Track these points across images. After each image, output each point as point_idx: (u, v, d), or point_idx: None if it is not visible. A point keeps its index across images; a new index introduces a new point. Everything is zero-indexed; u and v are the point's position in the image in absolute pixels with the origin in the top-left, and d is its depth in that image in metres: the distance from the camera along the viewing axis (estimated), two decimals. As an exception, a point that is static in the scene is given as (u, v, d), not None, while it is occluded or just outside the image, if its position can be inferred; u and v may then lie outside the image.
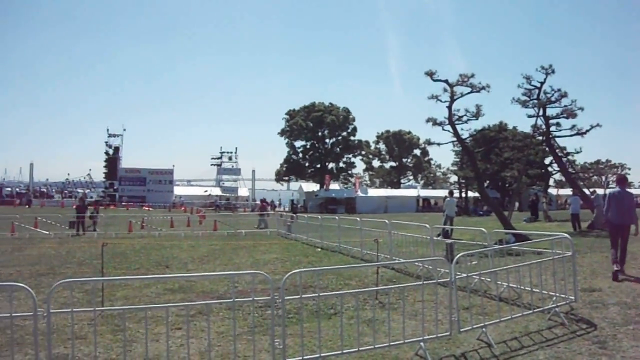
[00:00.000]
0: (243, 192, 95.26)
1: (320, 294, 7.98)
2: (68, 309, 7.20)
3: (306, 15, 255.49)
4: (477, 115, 24.56)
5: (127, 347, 7.52)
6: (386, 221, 19.20)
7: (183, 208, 69.00)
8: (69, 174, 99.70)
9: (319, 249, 22.37)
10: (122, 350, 8.12)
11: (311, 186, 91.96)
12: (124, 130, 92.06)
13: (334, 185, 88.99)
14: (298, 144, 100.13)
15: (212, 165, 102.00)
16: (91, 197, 73.51)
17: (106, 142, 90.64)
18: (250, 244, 25.10)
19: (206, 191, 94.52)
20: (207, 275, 15.70)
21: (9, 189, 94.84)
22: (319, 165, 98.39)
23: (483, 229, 14.81)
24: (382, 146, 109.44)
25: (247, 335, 8.87)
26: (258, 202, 56.32)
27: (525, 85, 29.66)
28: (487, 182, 67.33)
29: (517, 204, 45.12)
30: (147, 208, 67.34)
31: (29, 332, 9.02)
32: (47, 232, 30.18)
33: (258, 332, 8.47)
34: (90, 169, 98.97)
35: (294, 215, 34.77)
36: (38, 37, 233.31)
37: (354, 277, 14.51)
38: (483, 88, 24.03)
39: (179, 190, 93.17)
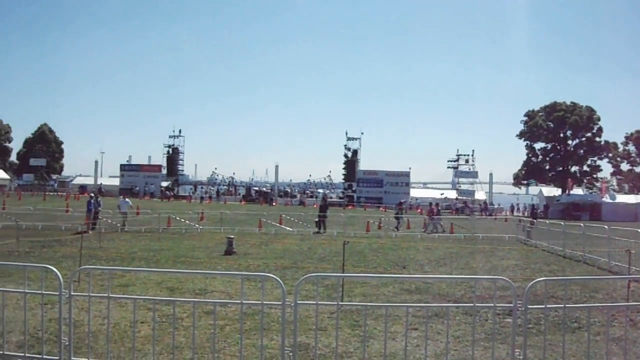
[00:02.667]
0: (480, 195, 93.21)
1: (566, 306, 7.51)
2: (313, 301, 7.52)
3: (547, 10, 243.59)
4: None
5: (365, 342, 7.67)
6: (638, 230, 17.74)
7: (419, 210, 69.32)
8: (310, 175, 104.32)
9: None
10: (359, 344, 8.32)
11: (552, 190, 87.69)
12: (362, 133, 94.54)
13: (577, 190, 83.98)
14: (538, 146, 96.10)
15: (448, 168, 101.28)
16: (331, 197, 76.50)
17: (345, 145, 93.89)
18: (487, 248, 24.57)
19: (442, 194, 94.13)
20: (446, 278, 15.60)
21: (256, 188, 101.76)
22: (560, 169, 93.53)
23: None
24: (631, 148, 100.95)
25: (484, 342, 8.65)
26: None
27: None
28: None
29: None
30: (383, 209, 68.63)
31: (274, 319, 9.59)
32: (291, 229, 31.91)
33: (496, 339, 8.22)
34: (330, 171, 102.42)
35: (534, 220, 33.38)
36: (286, 47, 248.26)
37: (600, 289, 13.56)
38: None
39: (414, 193, 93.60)
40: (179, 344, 7.76)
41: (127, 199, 31.72)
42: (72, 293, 6.93)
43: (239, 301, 7.23)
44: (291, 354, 6.60)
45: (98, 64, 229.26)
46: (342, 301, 10.33)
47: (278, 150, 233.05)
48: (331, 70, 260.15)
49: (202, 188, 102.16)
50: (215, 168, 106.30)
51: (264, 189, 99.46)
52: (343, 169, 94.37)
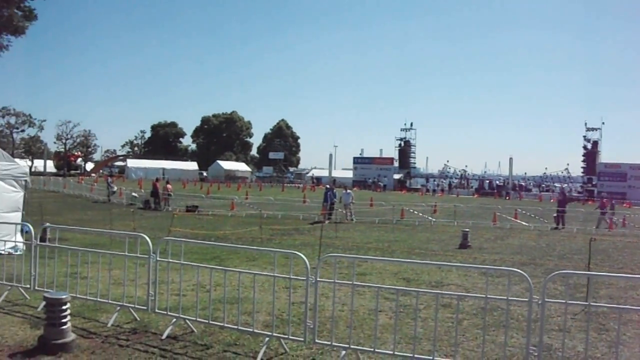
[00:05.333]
0: None
1: None
2: (557, 300, 7.12)
3: None
4: None
5: (615, 349, 7.13)
6: None
7: (669, 208, 63.60)
8: (546, 168, 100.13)
9: None
10: (607, 350, 7.79)
11: None
12: (603, 123, 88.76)
13: None
14: None
15: None
16: (569, 192, 72.73)
17: (584, 137, 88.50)
18: None
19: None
20: None
21: (488, 181, 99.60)
22: None
23: None
24: None
25: None
26: None
27: None
28: None
29: None
30: (626, 205, 63.78)
31: (513, 316, 9.26)
32: (527, 224, 30.72)
33: None
34: (567, 164, 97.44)
35: None
36: (518, 30, 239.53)
37: None
38: None
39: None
40: (417, 334, 7.76)
41: (349, 191, 32.47)
42: (318, 279, 7.20)
43: (482, 295, 7.04)
44: (535, 353, 6.30)
45: (330, 62, 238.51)
46: (586, 302, 9.71)
47: (511, 142, 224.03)
48: (568, 56, 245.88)
49: (434, 181, 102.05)
50: (447, 161, 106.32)
51: (498, 182, 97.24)
52: (582, 161, 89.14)
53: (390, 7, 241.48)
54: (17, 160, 17.68)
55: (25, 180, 16.89)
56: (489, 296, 6.68)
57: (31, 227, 10.27)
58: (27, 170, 17.90)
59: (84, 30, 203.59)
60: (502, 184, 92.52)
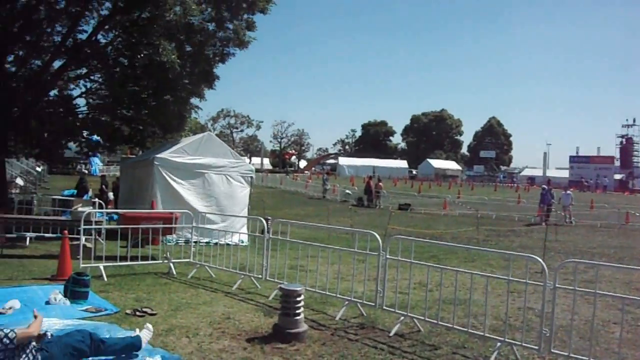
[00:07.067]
0: None
1: None
2: None
3: None
4: None
5: None
6: None
7: None
8: None
9: None
10: None
11: None
12: None
13: None
14: None
15: None
16: None
17: None
18: None
19: None
20: None
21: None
22: None
23: None
24: None
25: None
26: None
27: None
28: None
29: None
30: None
31: None
32: None
33: None
34: None
35: None
36: None
37: None
38: None
39: None
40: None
41: (569, 192, 30.69)
42: (557, 285, 6.85)
43: None
44: None
45: (539, 55, 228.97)
46: None
47: None
48: None
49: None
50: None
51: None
52: None
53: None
54: (238, 158, 19.02)
55: (251, 177, 18.07)
56: None
57: (265, 222, 10.87)
58: (253, 167, 19.07)
59: (297, 37, 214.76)
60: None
